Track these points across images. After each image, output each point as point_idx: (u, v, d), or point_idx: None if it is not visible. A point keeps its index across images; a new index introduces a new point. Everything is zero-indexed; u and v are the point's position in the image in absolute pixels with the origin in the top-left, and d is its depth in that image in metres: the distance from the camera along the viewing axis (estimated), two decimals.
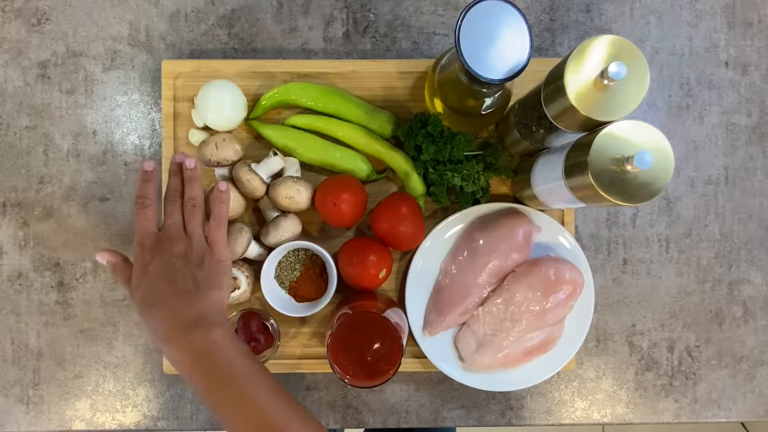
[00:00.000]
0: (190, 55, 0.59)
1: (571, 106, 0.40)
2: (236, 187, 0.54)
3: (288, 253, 0.56)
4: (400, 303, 0.58)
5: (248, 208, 0.57)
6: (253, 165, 0.54)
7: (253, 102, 0.57)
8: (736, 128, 0.61)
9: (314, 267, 0.56)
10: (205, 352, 0.43)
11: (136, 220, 0.48)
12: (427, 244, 0.57)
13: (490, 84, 0.42)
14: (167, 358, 0.46)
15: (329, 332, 0.49)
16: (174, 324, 0.44)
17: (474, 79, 0.42)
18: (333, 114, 0.57)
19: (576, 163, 0.42)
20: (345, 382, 0.48)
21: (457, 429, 0.72)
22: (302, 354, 0.58)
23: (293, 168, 0.56)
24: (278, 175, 0.56)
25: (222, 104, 0.54)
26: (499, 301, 0.55)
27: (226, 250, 0.49)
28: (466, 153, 0.55)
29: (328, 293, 0.54)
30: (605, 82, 0.39)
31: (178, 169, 0.50)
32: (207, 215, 0.49)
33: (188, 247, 0.47)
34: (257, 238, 0.56)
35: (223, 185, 0.49)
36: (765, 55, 0.61)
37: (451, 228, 0.58)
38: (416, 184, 0.56)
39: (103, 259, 0.49)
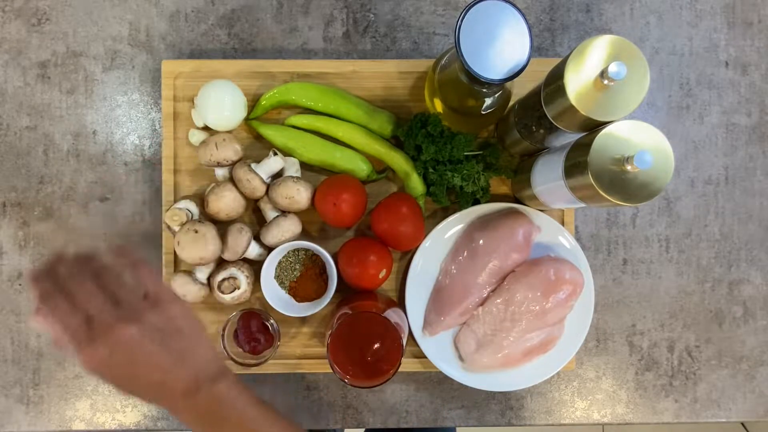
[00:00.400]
0: (190, 55, 0.59)
1: (571, 106, 0.40)
2: (236, 187, 0.54)
3: (288, 253, 0.56)
4: (400, 303, 0.58)
5: (248, 208, 0.57)
6: (253, 165, 0.54)
7: (253, 102, 0.57)
8: (736, 128, 0.61)
9: (314, 267, 0.56)
10: (212, 410, 0.40)
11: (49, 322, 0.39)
12: (427, 244, 0.57)
13: (490, 84, 0.42)
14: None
15: (329, 332, 0.49)
16: (170, 395, 0.40)
17: (474, 79, 0.42)
18: (333, 114, 0.57)
19: (576, 163, 0.42)
20: (345, 382, 0.48)
21: (457, 429, 0.72)
22: (302, 354, 0.58)
23: (293, 168, 0.56)
24: (278, 175, 0.56)
25: (222, 104, 0.54)
26: (499, 301, 0.55)
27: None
28: (466, 153, 0.55)
29: (328, 293, 0.54)
30: (605, 82, 0.39)
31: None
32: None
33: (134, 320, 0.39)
34: (257, 238, 0.56)
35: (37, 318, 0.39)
36: (765, 56, 0.61)
37: (451, 228, 0.58)
38: (416, 184, 0.56)
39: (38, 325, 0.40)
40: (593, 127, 0.42)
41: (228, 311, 0.57)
